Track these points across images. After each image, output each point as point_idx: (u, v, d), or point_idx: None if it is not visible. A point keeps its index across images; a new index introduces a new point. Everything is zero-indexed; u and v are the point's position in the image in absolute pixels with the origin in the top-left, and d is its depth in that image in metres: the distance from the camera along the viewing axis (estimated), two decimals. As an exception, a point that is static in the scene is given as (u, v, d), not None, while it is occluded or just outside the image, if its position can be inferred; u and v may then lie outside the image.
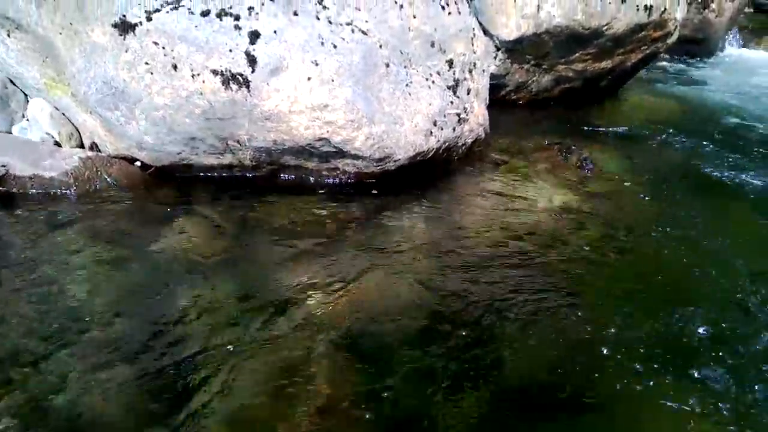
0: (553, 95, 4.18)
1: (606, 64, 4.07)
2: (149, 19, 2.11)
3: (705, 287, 2.08)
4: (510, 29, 3.59)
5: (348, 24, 2.42)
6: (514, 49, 3.72)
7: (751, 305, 2.01)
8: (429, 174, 2.81)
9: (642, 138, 3.82)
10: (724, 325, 1.87)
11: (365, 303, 1.88)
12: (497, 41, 3.66)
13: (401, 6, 2.63)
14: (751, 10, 10.19)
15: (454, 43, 2.88)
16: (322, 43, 2.30)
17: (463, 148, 2.99)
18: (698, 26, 6.81)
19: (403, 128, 2.54)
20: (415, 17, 2.67)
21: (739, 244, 2.41)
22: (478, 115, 3.04)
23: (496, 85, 3.90)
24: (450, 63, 2.85)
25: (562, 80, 4.08)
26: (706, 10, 6.69)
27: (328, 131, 2.33)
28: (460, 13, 2.93)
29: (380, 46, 2.50)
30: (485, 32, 3.64)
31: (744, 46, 7.87)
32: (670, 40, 4.18)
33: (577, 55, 3.90)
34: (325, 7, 2.37)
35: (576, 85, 4.17)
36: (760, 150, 3.64)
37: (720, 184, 3.01)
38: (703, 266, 2.21)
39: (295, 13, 2.28)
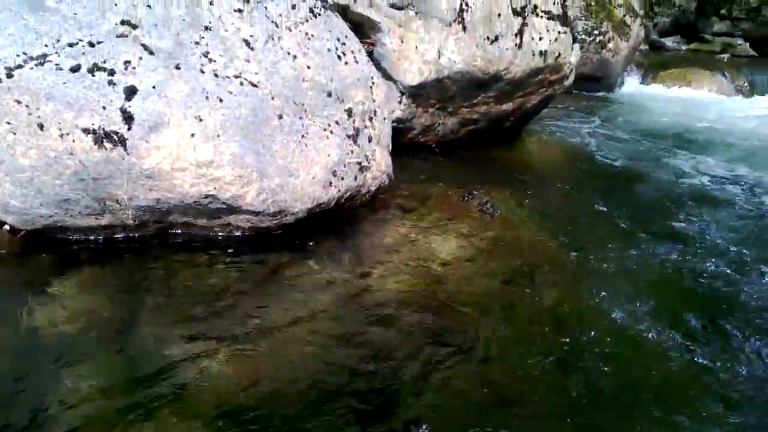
0: (460, 137, 4.24)
1: (508, 106, 4.18)
2: (10, 75, 1.95)
3: (601, 331, 2.10)
4: (413, 74, 3.62)
5: (236, 77, 2.34)
6: (418, 94, 3.75)
7: (648, 347, 2.04)
8: (332, 224, 2.74)
9: (544, 178, 3.93)
10: (623, 372, 1.88)
11: (259, 370, 1.77)
12: (401, 86, 3.68)
13: (294, 57, 2.58)
14: (647, 47, 10.93)
15: (353, 92, 2.85)
16: (207, 98, 2.20)
17: (367, 195, 2.95)
18: (597, 65, 7.19)
19: (300, 180, 2.46)
20: (309, 68, 2.63)
21: (638, 287, 2.46)
22: (381, 163, 3.01)
23: (402, 129, 3.92)
24: (349, 112, 2.81)
25: (467, 122, 4.15)
26: (604, 50, 7.08)
27: (215, 188, 2.22)
28: (357, 62, 2.92)
29: (272, 98, 2.43)
30: (389, 78, 3.66)
31: (641, 81, 8.39)
32: (567, 82, 4.35)
33: (479, 98, 3.99)
34: (211, 60, 2.28)
35: (481, 127, 4.26)
36: (661, 189, 3.81)
37: (622, 227, 3.10)
38: (601, 311, 2.24)
39: (177, 67, 2.18)
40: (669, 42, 11.72)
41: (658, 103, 7.37)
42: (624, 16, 7.31)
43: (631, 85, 8.14)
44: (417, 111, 3.89)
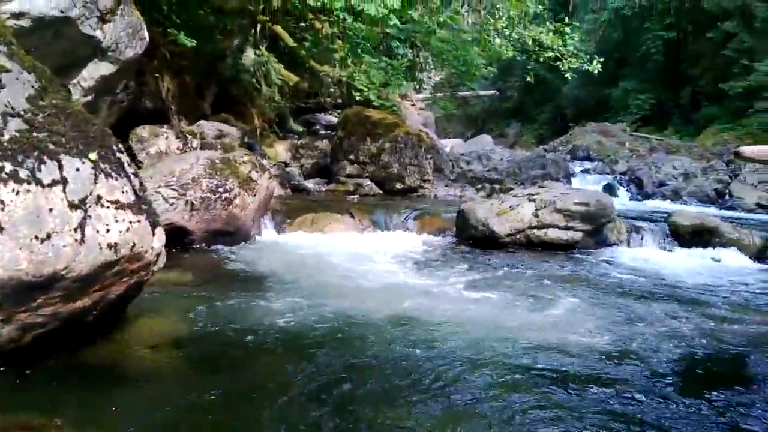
0: (26, 343, 3.57)
1: (84, 302, 3.70)
2: None
3: None
4: (-72, 290, 2.91)
5: None
6: (-56, 309, 3.03)
7: None
8: None
9: (141, 384, 3.51)
10: None
11: None
12: None
13: None
14: (289, 191, 11.76)
15: None
16: None
17: None
18: (227, 220, 7.29)
19: None
20: None
21: None
22: None
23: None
24: None
25: (32, 327, 3.52)
26: (231, 206, 7.23)
27: None
28: None
29: None
30: None
31: (278, 229, 8.79)
32: (157, 267, 4.11)
33: (41, 300, 3.43)
34: None
35: (54, 327, 3.65)
36: (303, 370, 3.64)
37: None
38: None
39: None
40: (311, 184, 12.87)
41: (291, 249, 7.75)
42: (250, 172, 7.65)
43: (269, 234, 8.45)
44: (-50, 327, 3.14)
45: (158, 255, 4.05)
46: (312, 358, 3.85)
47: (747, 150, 16.27)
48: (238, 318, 4.56)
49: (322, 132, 17.85)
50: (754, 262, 8.63)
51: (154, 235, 3.95)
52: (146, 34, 6.99)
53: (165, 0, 10.11)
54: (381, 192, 13.01)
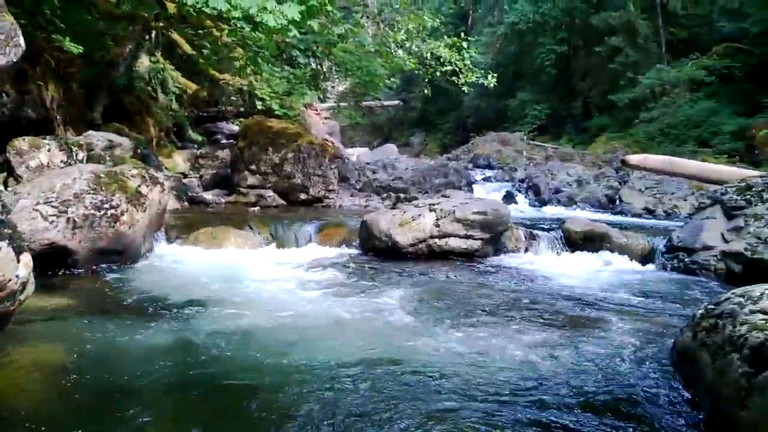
0: None
1: (-66, 339, 3.34)
2: None
3: None
4: None
5: None
6: None
7: None
8: None
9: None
10: None
11: None
12: None
13: None
14: (186, 204, 11.29)
15: None
16: None
17: None
18: (114, 239, 6.87)
19: None
20: None
21: None
22: None
23: None
24: None
25: None
26: (118, 223, 6.82)
27: None
28: None
29: None
30: None
31: (173, 245, 8.40)
32: (24, 296, 3.78)
33: None
34: None
35: None
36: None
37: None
38: None
39: None
40: (210, 196, 12.43)
41: (185, 267, 7.40)
42: (139, 186, 7.26)
43: (161, 250, 8.03)
44: None
45: (25, 283, 3.71)
46: (202, 394, 3.65)
47: (633, 159, 17.47)
48: (120, 349, 4.26)
49: (224, 141, 17.34)
50: (641, 264, 9.18)
51: (19, 261, 3.62)
52: (22, 41, 6.44)
53: (48, 3, 9.43)
54: (284, 203, 12.79)
